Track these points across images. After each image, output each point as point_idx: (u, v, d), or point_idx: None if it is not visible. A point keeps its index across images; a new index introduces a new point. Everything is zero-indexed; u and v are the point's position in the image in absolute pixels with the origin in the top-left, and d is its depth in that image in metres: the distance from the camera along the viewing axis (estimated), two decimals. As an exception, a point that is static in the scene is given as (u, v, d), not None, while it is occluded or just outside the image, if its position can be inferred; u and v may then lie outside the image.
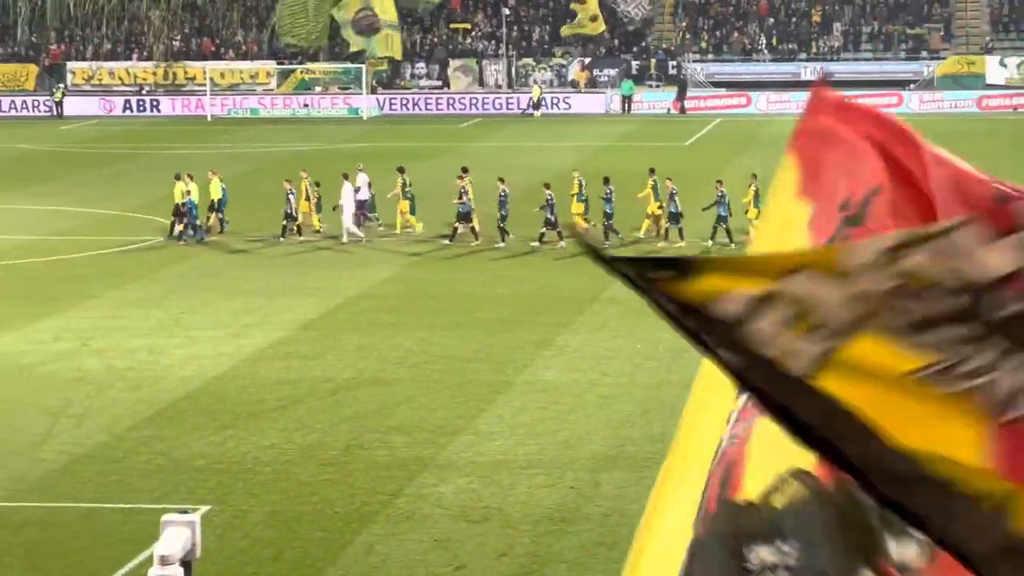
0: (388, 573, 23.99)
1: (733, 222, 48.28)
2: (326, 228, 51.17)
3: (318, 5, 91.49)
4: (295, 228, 51.16)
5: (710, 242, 48.77)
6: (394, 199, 51.71)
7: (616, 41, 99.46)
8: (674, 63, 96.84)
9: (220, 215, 52.59)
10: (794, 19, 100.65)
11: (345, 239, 50.40)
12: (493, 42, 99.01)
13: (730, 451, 4.07)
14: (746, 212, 48.73)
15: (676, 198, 49.18)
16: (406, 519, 26.22)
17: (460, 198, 50.20)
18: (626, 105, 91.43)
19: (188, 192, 51.52)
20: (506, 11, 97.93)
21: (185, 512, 14.58)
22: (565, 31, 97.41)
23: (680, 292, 3.24)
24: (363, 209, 52.59)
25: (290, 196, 51.15)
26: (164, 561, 13.86)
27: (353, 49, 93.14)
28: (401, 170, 52.37)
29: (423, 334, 38.61)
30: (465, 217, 50.33)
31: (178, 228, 51.50)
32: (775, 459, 3.77)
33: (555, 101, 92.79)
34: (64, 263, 48.57)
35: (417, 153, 68.18)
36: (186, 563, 13.97)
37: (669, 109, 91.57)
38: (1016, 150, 68.58)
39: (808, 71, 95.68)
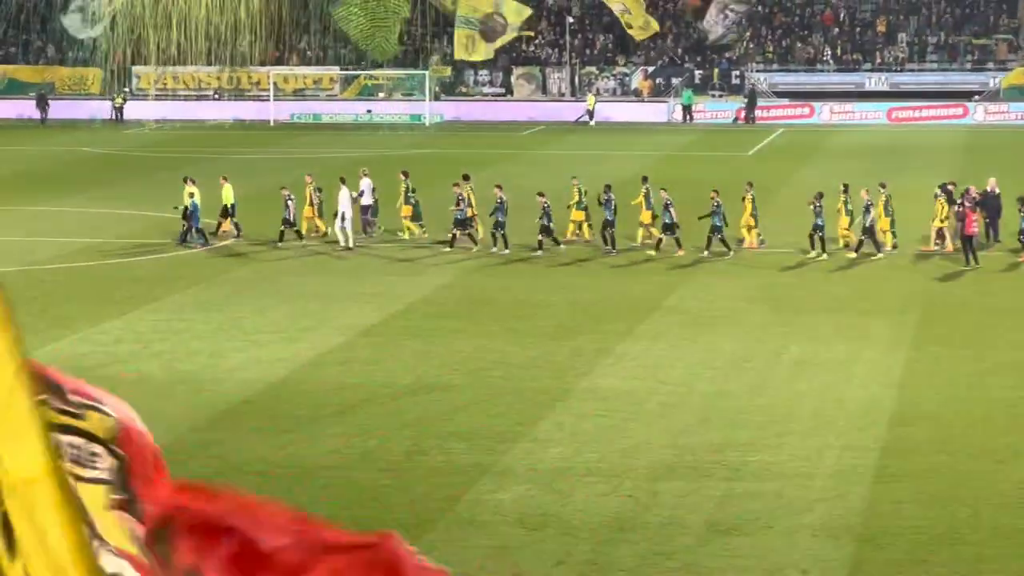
0: (447, 579, 23.94)
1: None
2: (331, 232, 51.46)
3: (383, 16, 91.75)
4: (295, 233, 51.32)
5: (705, 252, 48.86)
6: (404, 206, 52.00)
7: (679, 50, 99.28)
8: (737, 72, 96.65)
9: (233, 219, 52.67)
10: (859, 29, 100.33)
11: (350, 243, 50.54)
12: (556, 50, 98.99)
13: None
14: (740, 220, 49.65)
15: (671, 208, 48.87)
16: (465, 525, 26.20)
17: (457, 205, 50.27)
18: (687, 115, 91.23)
19: (192, 195, 51.67)
20: (570, 19, 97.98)
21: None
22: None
23: None
24: (367, 214, 52.55)
25: (288, 202, 51.33)
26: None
27: (475, 58, 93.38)
28: (405, 174, 52.55)
29: (481, 340, 38.57)
30: (462, 224, 50.29)
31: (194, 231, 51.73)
32: None
33: (616, 110, 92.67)
34: (127, 266, 48.77)
35: (479, 160, 68.17)
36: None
37: (736, 119, 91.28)
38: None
39: (873, 81, 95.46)
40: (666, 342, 38.46)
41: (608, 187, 49.96)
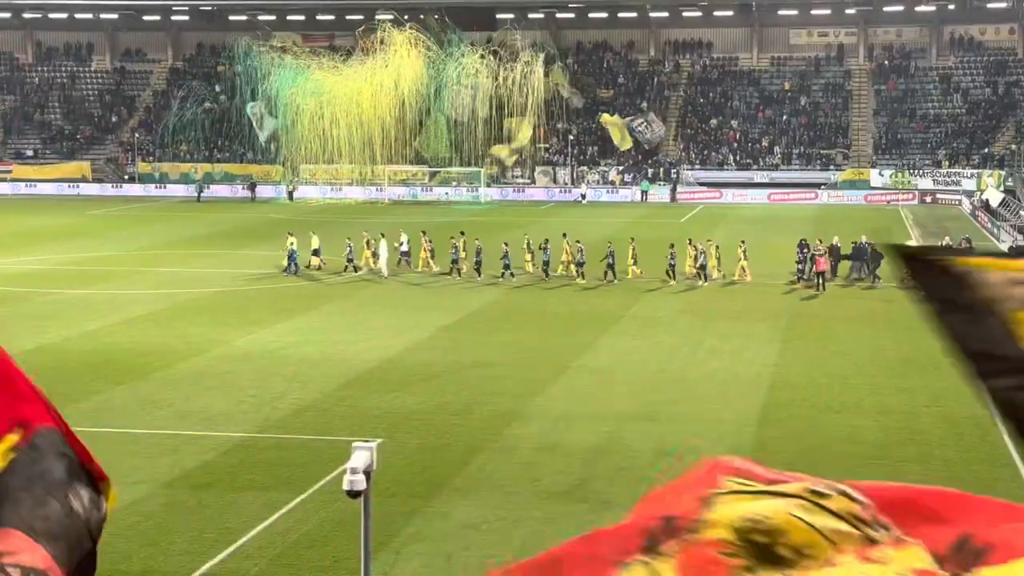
0: (492, 483, 23.99)
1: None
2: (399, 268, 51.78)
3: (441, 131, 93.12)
4: (353, 267, 51.47)
5: (615, 280, 48.68)
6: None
7: (639, 156, 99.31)
8: (674, 171, 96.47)
9: (320, 258, 52.54)
10: (750, 144, 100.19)
11: (385, 274, 50.57)
12: (561, 155, 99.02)
13: None
14: (737, 261, 49.21)
15: (614, 256, 48.69)
16: (504, 450, 26.24)
17: (452, 250, 50.57)
18: (644, 197, 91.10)
19: (292, 243, 51.89)
20: (571, 136, 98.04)
21: (367, 442, 14.60)
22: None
23: (953, 264, 2.83)
24: (406, 256, 52.86)
25: (349, 246, 51.99)
26: (354, 471, 13.92)
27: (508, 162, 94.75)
28: (423, 233, 53.19)
29: (515, 335, 38.63)
30: (455, 262, 50.23)
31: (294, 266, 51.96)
32: None
33: (599, 194, 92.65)
34: (293, 288, 48.94)
35: (513, 224, 68.28)
36: (367, 473, 14.00)
37: (670, 199, 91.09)
38: (888, 225, 68.27)
39: (758, 176, 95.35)
40: (629, 337, 38.49)
41: (611, 245, 49.45)
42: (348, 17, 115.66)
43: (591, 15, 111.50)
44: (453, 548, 20.56)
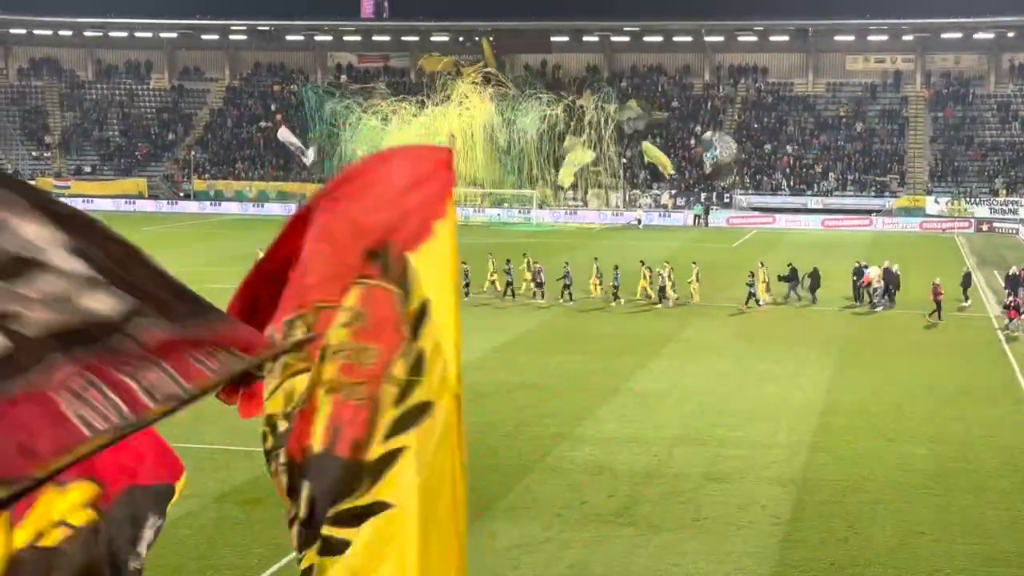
0: (540, 505, 23.91)
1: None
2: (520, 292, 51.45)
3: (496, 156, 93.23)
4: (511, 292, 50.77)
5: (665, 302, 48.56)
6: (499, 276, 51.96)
7: (691, 180, 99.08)
8: (704, 196, 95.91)
9: None
10: (804, 169, 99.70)
11: None
12: (614, 178, 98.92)
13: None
14: (689, 282, 49.47)
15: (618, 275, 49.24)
16: (552, 471, 26.17)
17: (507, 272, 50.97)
18: (697, 221, 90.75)
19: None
20: (624, 160, 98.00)
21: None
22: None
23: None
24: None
25: (508, 271, 51.12)
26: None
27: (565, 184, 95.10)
28: (524, 255, 53.36)
29: (565, 356, 38.54)
30: (508, 287, 50.39)
31: None
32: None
33: (651, 218, 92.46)
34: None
35: (565, 247, 68.23)
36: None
37: (705, 224, 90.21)
38: (943, 253, 67.59)
39: (812, 202, 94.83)
40: (679, 360, 38.29)
41: (616, 267, 49.42)
42: (403, 38, 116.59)
43: (646, 39, 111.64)
44: (500, 568, 20.51)
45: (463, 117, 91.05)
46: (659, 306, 48.43)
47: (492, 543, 21.63)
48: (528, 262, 51.61)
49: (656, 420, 30.50)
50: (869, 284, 48.80)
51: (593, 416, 30.84)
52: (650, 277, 49.44)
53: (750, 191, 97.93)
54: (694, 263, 51.29)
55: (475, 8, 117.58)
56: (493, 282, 51.47)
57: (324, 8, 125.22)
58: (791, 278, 50.33)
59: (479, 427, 29.61)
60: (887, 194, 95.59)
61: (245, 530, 22.07)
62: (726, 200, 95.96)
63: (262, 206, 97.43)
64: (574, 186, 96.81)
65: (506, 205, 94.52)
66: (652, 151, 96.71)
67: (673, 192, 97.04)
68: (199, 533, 21.74)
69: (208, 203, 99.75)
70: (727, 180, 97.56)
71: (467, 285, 49.35)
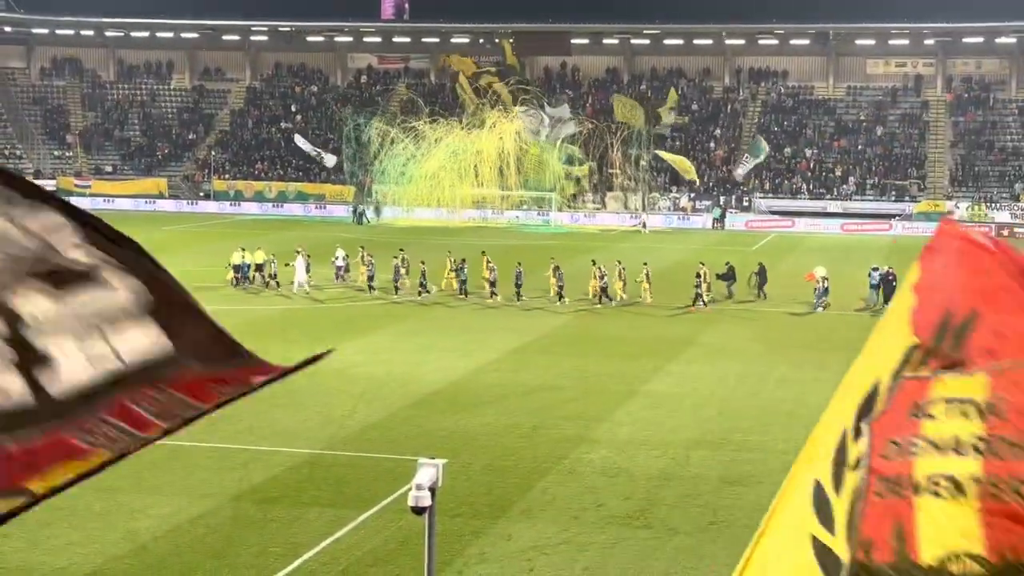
0: (557, 507, 23.93)
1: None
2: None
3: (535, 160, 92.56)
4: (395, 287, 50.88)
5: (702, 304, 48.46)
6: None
7: (710, 183, 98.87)
8: (747, 199, 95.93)
9: (262, 273, 53.52)
10: (824, 173, 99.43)
11: (295, 290, 51.65)
12: (633, 181, 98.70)
13: (880, 495, 2.92)
14: (638, 281, 49.89)
15: (607, 277, 49.59)
16: (569, 473, 26.17)
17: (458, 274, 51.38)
18: (715, 224, 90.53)
19: (243, 257, 53.62)
20: (643, 163, 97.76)
21: (432, 459, 14.65)
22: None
23: None
24: (341, 272, 54.94)
25: (396, 266, 51.97)
26: (419, 488, 13.98)
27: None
28: (401, 249, 54.78)
29: (581, 359, 38.52)
30: (462, 285, 50.86)
31: (236, 279, 53.31)
32: (947, 535, 2.77)
33: (669, 220, 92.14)
34: (362, 307, 49.21)
35: (583, 248, 68.18)
36: (432, 490, 14.05)
37: (722, 226, 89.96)
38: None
39: (832, 206, 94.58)
40: (697, 364, 38.24)
41: (621, 263, 49.55)
42: (424, 40, 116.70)
43: (666, 41, 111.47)
44: (516, 570, 20.52)
45: (492, 137, 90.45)
46: (599, 306, 48.70)
47: (508, 545, 21.65)
48: (486, 261, 51.56)
49: (673, 423, 30.47)
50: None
51: (610, 418, 30.83)
52: (599, 275, 49.81)
53: (769, 194, 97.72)
54: (645, 263, 51.77)
55: (495, 10, 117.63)
56: (452, 281, 51.99)
57: (344, 9, 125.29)
58: (728, 276, 51.34)
59: (496, 429, 29.64)
60: (907, 198, 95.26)
61: (261, 529, 22.14)
62: (745, 204, 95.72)
63: (282, 206, 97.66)
64: (593, 188, 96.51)
65: (524, 207, 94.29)
66: (670, 157, 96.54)
67: (692, 195, 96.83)
68: (216, 532, 21.82)
69: (228, 203, 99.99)
70: (749, 183, 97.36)
71: (423, 284, 50.90)
